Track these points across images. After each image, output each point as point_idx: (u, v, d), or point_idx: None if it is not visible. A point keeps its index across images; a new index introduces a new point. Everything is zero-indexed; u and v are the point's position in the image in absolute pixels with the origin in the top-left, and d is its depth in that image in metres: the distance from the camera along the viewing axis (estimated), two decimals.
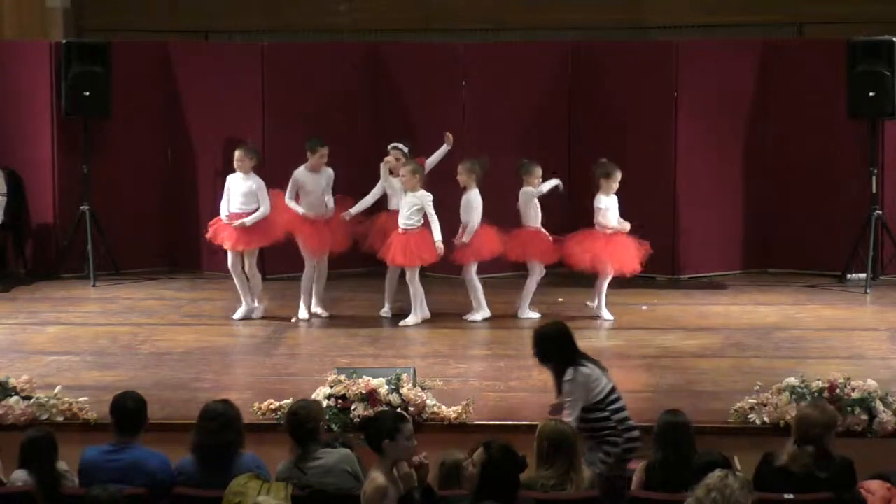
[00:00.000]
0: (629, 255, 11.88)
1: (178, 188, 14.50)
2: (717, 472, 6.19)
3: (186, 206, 14.43)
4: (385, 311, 12.21)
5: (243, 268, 12.11)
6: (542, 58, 14.26)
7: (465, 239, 11.85)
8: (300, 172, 12.08)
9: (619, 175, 11.84)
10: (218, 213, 12.25)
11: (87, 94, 13.71)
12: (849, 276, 13.54)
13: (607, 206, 11.81)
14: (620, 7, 15.90)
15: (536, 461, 7.17)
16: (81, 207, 13.83)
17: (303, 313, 12.20)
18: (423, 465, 6.97)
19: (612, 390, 8.17)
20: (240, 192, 12.00)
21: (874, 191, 13.35)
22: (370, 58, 14.40)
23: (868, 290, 13.07)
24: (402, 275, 11.99)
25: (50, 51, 13.98)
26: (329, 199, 12.13)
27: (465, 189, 11.95)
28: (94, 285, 13.62)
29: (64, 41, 14.15)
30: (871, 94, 13.10)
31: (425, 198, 11.73)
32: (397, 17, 16.03)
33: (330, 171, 12.14)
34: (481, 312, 12.04)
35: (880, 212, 13.33)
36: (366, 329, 11.87)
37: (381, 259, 12.02)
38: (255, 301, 12.19)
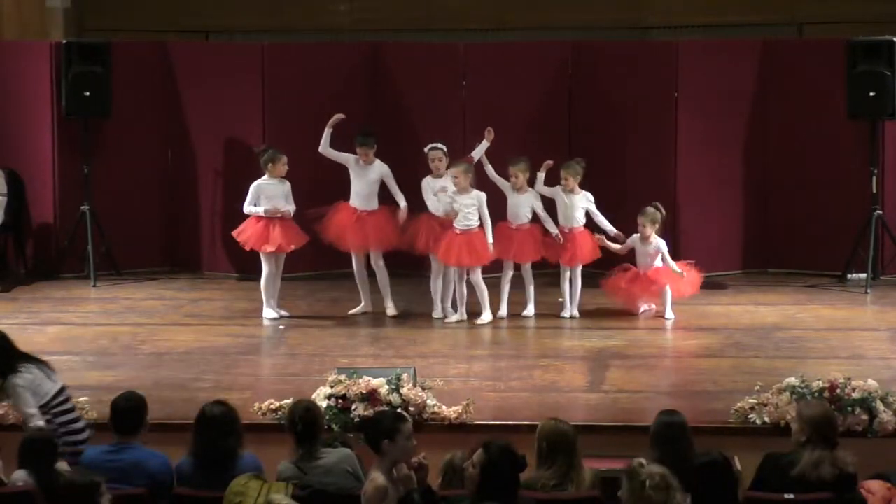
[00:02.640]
0: (683, 281, 11.99)
1: (179, 188, 14.51)
2: (630, 483, 6.28)
3: (187, 206, 14.44)
4: (438, 312, 12.16)
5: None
6: (543, 58, 14.27)
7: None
8: (353, 158, 12.13)
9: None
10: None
11: (88, 94, 13.71)
12: (849, 276, 13.54)
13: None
14: (620, 7, 15.89)
15: (536, 461, 7.18)
16: (82, 207, 13.84)
17: (365, 306, 12.23)
18: (423, 467, 6.98)
19: (59, 393, 8.21)
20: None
21: (874, 191, 13.35)
22: (371, 57, 14.40)
23: (868, 290, 13.07)
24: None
25: (50, 51, 13.98)
26: (398, 196, 12.10)
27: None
28: (94, 285, 13.62)
29: (64, 41, 14.15)
30: (871, 94, 13.10)
31: (481, 197, 11.79)
32: (398, 17, 16.02)
33: (382, 167, 12.12)
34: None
35: (880, 212, 13.34)
36: (366, 329, 11.89)
37: (441, 260, 11.97)
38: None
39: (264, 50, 14.08)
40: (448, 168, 11.88)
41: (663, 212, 12.08)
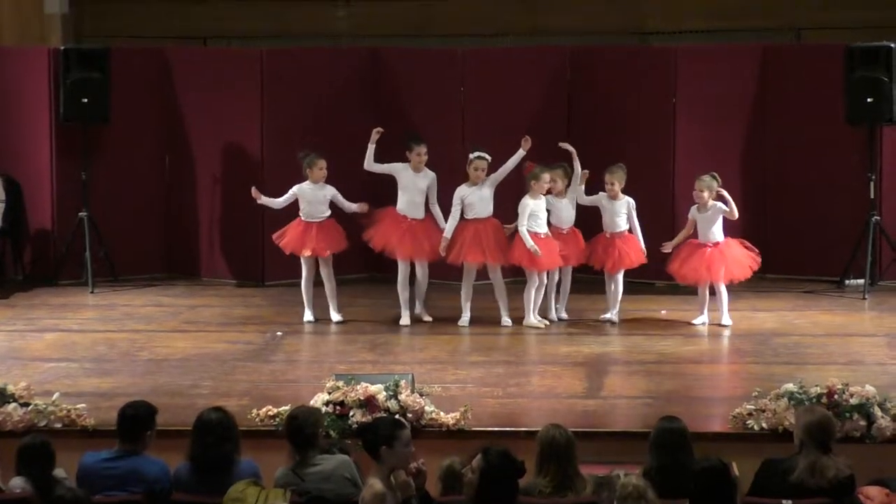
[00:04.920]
0: (734, 265, 12.00)
1: (177, 194, 14.50)
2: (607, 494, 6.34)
3: (185, 212, 14.43)
4: (465, 320, 12.16)
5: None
6: (541, 63, 14.27)
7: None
8: (401, 166, 12.12)
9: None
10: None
11: (86, 100, 13.69)
12: (847, 281, 13.54)
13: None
14: (619, 12, 15.90)
15: (535, 467, 7.17)
16: (80, 214, 13.82)
17: (404, 319, 12.16)
18: (421, 472, 6.98)
19: None
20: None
21: (872, 196, 13.36)
22: (369, 63, 14.40)
23: (866, 296, 13.07)
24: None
25: (49, 57, 13.98)
26: (434, 207, 12.14)
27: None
28: (92, 292, 13.61)
29: (63, 47, 14.14)
30: (869, 99, 13.11)
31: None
32: (396, 23, 16.02)
33: (432, 175, 12.13)
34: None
35: (878, 217, 13.34)
36: (364, 335, 11.87)
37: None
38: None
39: (262, 55, 14.08)
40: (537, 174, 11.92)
41: (720, 180, 12.03)
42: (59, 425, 8.97)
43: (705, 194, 11.97)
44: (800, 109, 13.82)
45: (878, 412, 8.75)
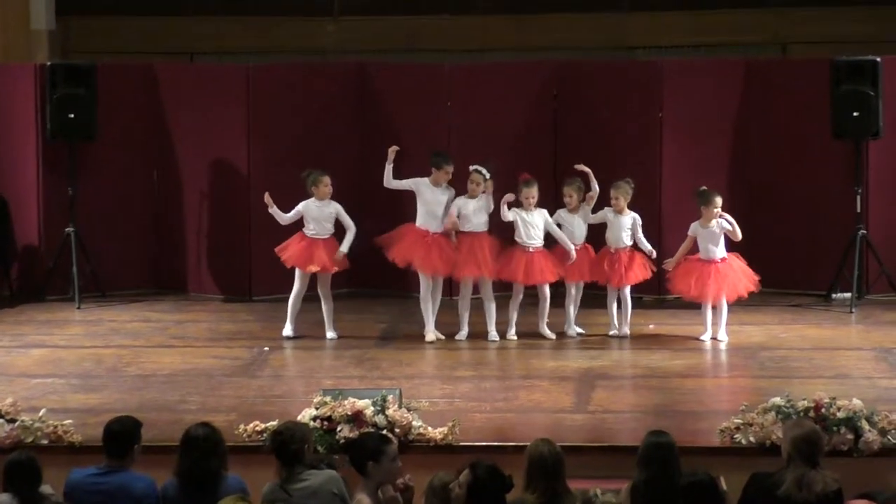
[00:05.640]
0: (740, 281, 11.99)
1: (164, 210, 14.48)
2: None
3: (172, 227, 14.41)
4: (462, 335, 12.15)
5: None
6: (527, 78, 14.28)
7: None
8: (422, 181, 12.12)
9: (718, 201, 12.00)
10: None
11: (73, 116, 13.66)
12: (834, 295, 13.55)
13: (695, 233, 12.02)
14: (605, 28, 15.93)
15: (524, 482, 7.17)
16: (66, 229, 13.79)
17: (430, 335, 12.10)
18: (408, 488, 6.97)
19: None
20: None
21: (859, 210, 13.38)
22: (356, 78, 14.40)
23: (853, 310, 13.08)
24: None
25: (35, 73, 13.95)
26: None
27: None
28: (79, 307, 13.57)
29: (49, 63, 14.12)
30: (855, 113, 13.14)
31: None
32: (383, 38, 16.05)
33: (453, 191, 12.14)
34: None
35: (865, 231, 13.36)
36: (351, 350, 11.86)
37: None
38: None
39: (249, 71, 14.07)
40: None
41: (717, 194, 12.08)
42: (45, 441, 8.96)
43: (710, 210, 11.95)
44: (786, 124, 13.84)
45: (865, 426, 8.77)
